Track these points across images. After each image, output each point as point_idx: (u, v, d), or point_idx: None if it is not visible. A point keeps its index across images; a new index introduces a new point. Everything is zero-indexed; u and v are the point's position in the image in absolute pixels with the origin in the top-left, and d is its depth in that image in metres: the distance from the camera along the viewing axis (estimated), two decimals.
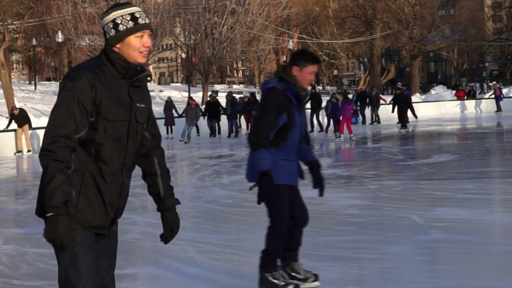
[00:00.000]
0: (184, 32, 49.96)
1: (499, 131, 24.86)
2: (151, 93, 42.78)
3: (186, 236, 7.68)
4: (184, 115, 26.45)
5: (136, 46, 3.14)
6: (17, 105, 27.45)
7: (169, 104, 27.83)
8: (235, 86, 72.46)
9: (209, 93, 37.51)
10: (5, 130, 22.64)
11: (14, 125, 22.51)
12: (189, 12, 47.34)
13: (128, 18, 3.13)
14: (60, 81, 2.74)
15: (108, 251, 3.27)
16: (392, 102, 29.17)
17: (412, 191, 10.36)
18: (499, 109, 35.16)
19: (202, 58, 46.29)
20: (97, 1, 41.19)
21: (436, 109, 37.28)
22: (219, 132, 27.45)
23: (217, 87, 60.67)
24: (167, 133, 27.13)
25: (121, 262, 6.65)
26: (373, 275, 5.70)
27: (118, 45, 3.15)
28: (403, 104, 26.36)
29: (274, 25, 54.89)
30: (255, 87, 68.70)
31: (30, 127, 22.41)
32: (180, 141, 24.26)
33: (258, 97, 29.77)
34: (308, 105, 27.19)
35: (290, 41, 53.91)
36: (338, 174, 13.59)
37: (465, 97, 40.40)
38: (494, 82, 38.58)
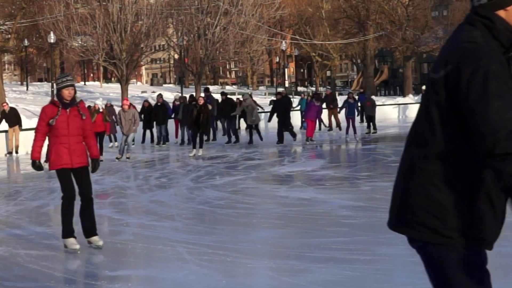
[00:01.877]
0: (177, 33, 49.87)
1: None
2: (144, 94, 42.41)
3: (178, 237, 7.67)
4: (116, 121, 20.88)
5: None
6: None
7: (108, 109, 22.58)
8: (228, 87, 72.45)
9: (201, 94, 37.44)
10: None
11: (5, 126, 22.37)
12: (182, 13, 47.27)
13: None
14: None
15: None
16: (271, 110, 23.70)
17: None
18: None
19: (195, 59, 46.21)
20: (89, 2, 41.12)
21: None
22: (167, 140, 23.81)
23: (210, 88, 60.67)
24: (111, 141, 23.07)
25: (113, 264, 6.63)
26: (366, 277, 5.69)
27: (508, 8, 2.45)
28: (282, 113, 22.08)
29: (267, 26, 54.94)
30: (247, 88, 68.78)
31: (21, 128, 22.30)
32: (117, 158, 17.30)
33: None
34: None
35: (283, 42, 53.96)
36: (331, 175, 13.59)
37: None
38: (350, 91, 34.88)
